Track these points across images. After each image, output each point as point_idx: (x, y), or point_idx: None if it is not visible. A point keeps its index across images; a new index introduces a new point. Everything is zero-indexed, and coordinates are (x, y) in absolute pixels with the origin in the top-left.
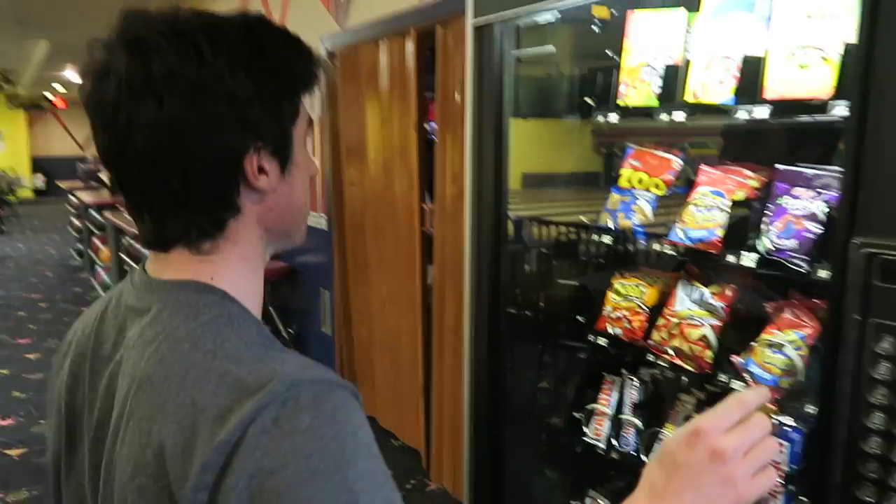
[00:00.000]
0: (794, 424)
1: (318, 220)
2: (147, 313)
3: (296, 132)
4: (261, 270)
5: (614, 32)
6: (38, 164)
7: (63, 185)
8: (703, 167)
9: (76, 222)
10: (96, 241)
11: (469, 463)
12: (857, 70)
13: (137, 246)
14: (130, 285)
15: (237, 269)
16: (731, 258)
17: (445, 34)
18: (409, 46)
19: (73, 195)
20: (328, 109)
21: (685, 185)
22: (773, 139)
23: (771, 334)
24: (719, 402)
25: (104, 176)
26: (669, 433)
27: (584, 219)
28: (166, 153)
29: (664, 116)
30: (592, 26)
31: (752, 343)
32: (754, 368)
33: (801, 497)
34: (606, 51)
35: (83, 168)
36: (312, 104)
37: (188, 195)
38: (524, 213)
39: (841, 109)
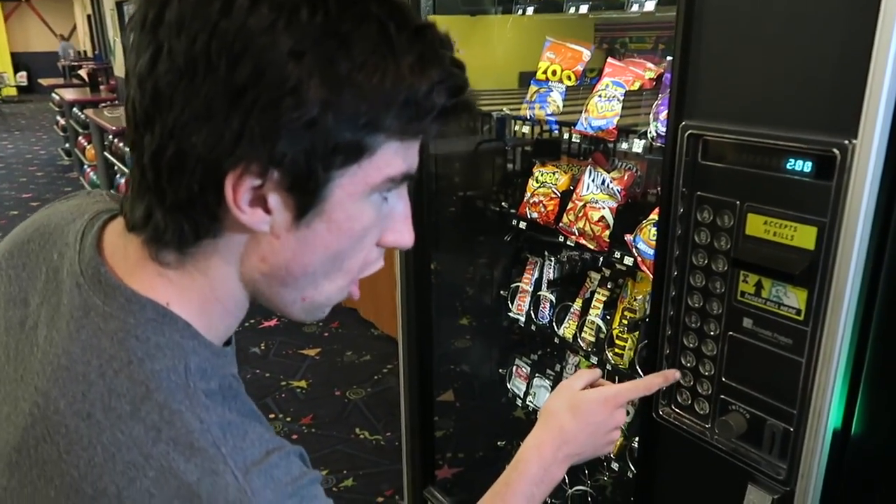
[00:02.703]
0: None
1: None
2: (87, 314)
3: (348, 177)
4: (236, 319)
5: None
6: (19, 60)
7: (45, 82)
8: (610, 60)
9: (61, 121)
10: (82, 141)
11: (403, 344)
12: None
13: (122, 144)
14: (77, 252)
15: (202, 306)
16: (624, 145)
17: None
18: None
19: (56, 93)
20: None
21: (598, 76)
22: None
23: (656, 214)
24: (619, 277)
25: (84, 72)
26: (577, 306)
27: (506, 110)
28: (150, 115)
29: (572, 10)
30: None
31: (642, 222)
32: (641, 245)
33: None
34: None
35: (63, 63)
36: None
37: (157, 183)
38: (510, 112)
39: None
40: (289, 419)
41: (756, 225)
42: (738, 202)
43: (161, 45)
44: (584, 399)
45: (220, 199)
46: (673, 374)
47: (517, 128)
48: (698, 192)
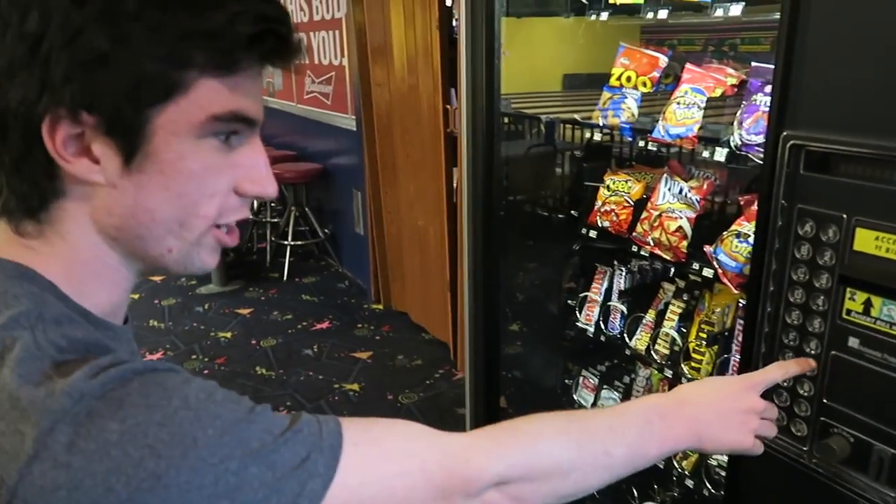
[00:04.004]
0: None
1: (349, 122)
2: None
3: (166, 116)
4: (116, 287)
5: None
6: None
7: None
8: (689, 66)
9: None
10: None
11: (470, 351)
12: None
13: None
14: None
15: (68, 271)
16: (706, 154)
17: None
18: None
19: None
20: (353, 7)
21: (674, 83)
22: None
23: (739, 225)
24: (695, 289)
25: None
26: (650, 318)
27: (577, 117)
28: None
29: (650, 15)
30: None
31: (723, 233)
32: (722, 257)
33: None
34: None
35: None
36: (253, 86)
37: None
38: (560, 115)
39: None
40: None
41: (866, 240)
42: (844, 216)
43: None
44: (711, 378)
45: (44, 155)
46: (809, 364)
47: (588, 134)
48: (800, 205)
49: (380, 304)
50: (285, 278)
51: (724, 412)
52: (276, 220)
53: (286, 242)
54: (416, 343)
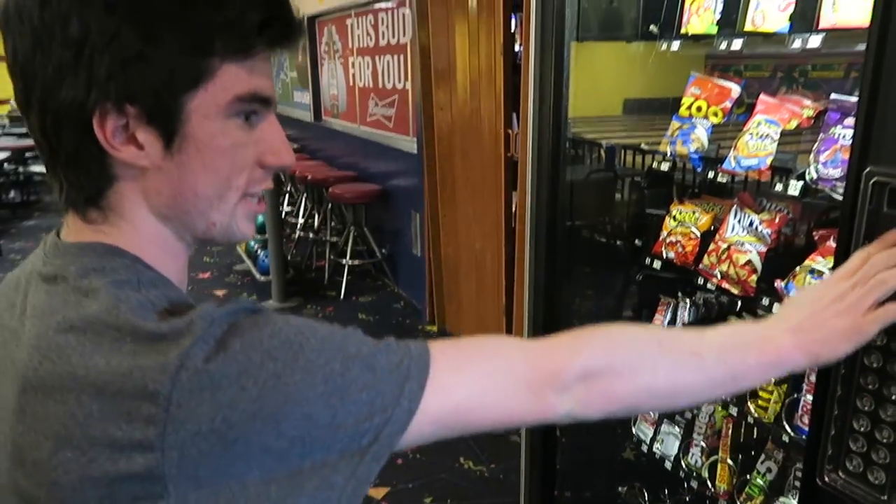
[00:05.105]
0: None
1: (410, 144)
2: (53, 280)
3: (197, 101)
4: (177, 259)
5: None
6: None
7: None
8: (763, 96)
9: None
10: None
11: None
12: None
13: None
14: (42, 250)
15: (142, 247)
16: (779, 186)
17: None
18: None
19: None
20: (419, 32)
21: (746, 112)
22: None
23: (813, 261)
24: None
25: None
26: None
27: (642, 143)
28: (27, 96)
29: (724, 45)
30: None
31: (796, 268)
32: (794, 293)
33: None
34: None
35: None
36: (266, 68)
37: (51, 149)
38: (621, 141)
39: None
40: None
41: None
42: None
43: (14, 35)
44: (803, 292)
45: (96, 147)
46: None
47: (655, 164)
48: None
49: (434, 325)
50: (342, 297)
51: (820, 311)
52: (335, 239)
53: (344, 261)
54: None
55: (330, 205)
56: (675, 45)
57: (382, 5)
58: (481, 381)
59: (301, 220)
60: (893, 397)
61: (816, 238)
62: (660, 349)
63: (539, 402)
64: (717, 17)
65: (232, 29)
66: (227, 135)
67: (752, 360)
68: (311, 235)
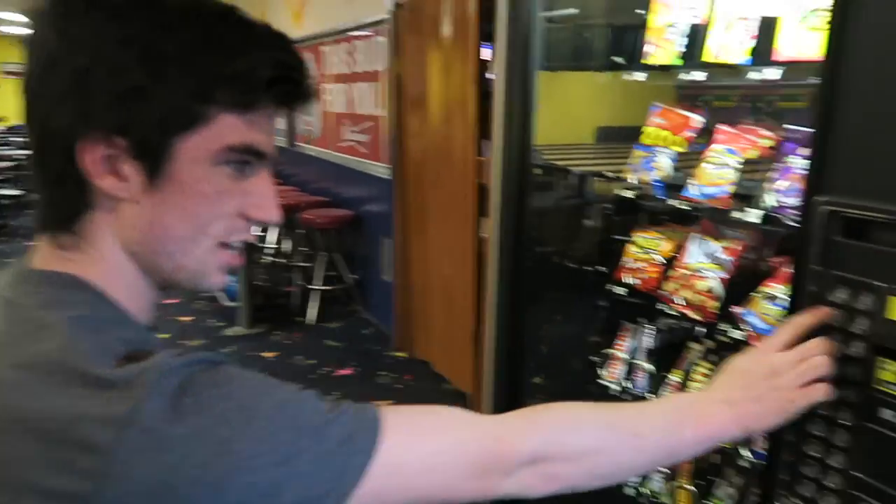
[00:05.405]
0: None
1: (382, 170)
2: (15, 306)
3: (188, 144)
4: (142, 297)
5: None
6: None
7: None
8: (721, 126)
9: None
10: None
11: (492, 402)
12: (830, 31)
13: None
14: (9, 273)
15: (108, 280)
16: (738, 214)
17: None
18: None
19: None
20: (394, 60)
21: (707, 142)
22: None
23: (769, 287)
24: (724, 351)
25: None
26: (675, 377)
27: (607, 171)
28: (29, 114)
29: (683, 76)
30: None
31: (753, 294)
32: (752, 319)
33: None
34: (636, 10)
35: None
36: (267, 124)
37: (41, 166)
38: (591, 168)
39: None
40: None
41: None
42: (879, 284)
43: (31, 58)
44: (733, 362)
45: (77, 173)
46: (825, 312)
47: (621, 192)
48: (834, 271)
49: (403, 352)
50: (311, 323)
51: (755, 384)
52: (305, 264)
53: (313, 287)
54: (436, 393)
55: (304, 230)
56: (641, 75)
57: (358, 33)
58: (429, 459)
59: (274, 246)
60: (845, 423)
61: (774, 265)
62: (607, 433)
63: (483, 484)
64: (682, 49)
65: (236, 82)
66: (212, 181)
67: (690, 436)
68: (282, 261)
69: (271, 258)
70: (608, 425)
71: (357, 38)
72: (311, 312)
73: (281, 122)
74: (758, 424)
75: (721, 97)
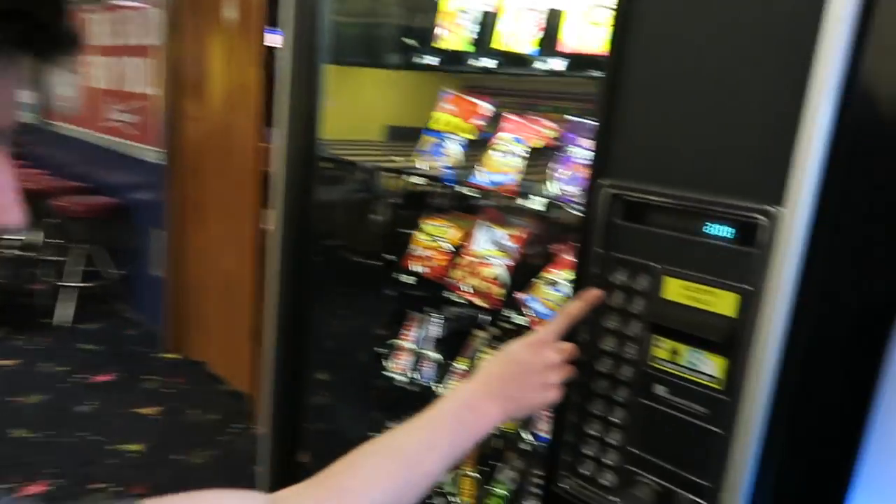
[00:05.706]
0: None
1: (155, 155)
2: None
3: None
4: None
5: None
6: None
7: None
8: (507, 115)
9: None
10: None
11: (271, 403)
12: (614, 31)
13: None
14: None
15: None
16: (523, 202)
17: None
18: None
19: None
20: (169, 37)
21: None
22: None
23: (551, 273)
24: (508, 337)
25: None
26: (461, 365)
27: (397, 159)
28: None
29: (473, 62)
30: None
31: (535, 280)
32: (535, 304)
33: None
34: None
35: None
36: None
37: None
38: (382, 163)
39: None
40: (120, 488)
41: (674, 289)
42: (655, 265)
43: None
44: (509, 346)
45: None
46: (595, 295)
47: (410, 181)
48: (614, 253)
49: (175, 353)
50: (64, 324)
51: (528, 380)
52: (56, 258)
53: (65, 283)
54: (212, 395)
55: (56, 220)
56: (433, 59)
57: (128, 3)
58: None
59: (18, 238)
60: (621, 400)
61: (555, 252)
62: (405, 487)
63: None
64: (474, 36)
65: None
66: None
67: (471, 442)
68: (29, 254)
69: (15, 252)
70: (406, 481)
71: (127, 7)
72: (65, 313)
73: (28, 94)
74: (520, 414)
75: (510, 87)
